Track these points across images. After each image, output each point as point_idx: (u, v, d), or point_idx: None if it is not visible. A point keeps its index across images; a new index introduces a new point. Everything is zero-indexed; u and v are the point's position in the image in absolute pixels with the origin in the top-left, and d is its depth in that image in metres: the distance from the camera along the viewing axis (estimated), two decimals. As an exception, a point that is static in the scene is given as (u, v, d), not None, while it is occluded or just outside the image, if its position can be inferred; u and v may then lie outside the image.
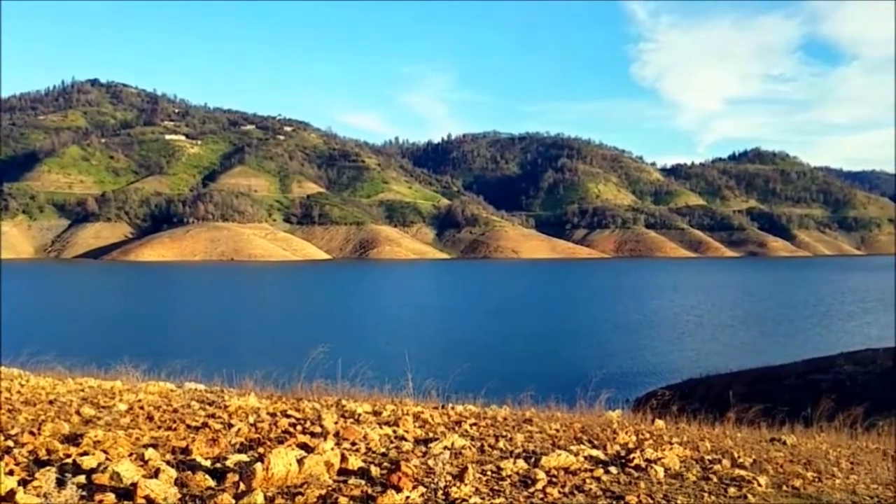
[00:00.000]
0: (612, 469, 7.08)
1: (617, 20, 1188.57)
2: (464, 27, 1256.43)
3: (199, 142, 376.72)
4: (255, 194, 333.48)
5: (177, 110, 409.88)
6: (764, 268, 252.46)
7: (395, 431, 8.68)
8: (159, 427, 8.21)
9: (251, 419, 9.06)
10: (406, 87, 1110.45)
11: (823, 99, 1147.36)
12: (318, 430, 8.45)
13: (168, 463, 5.92)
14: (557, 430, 10.05)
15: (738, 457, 8.60)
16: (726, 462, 7.99)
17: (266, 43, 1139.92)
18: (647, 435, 10.28)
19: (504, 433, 9.35)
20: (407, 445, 7.83)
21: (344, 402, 11.34)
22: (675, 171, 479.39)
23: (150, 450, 6.43)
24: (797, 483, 7.31)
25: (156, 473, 5.50)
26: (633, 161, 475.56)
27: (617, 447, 8.46)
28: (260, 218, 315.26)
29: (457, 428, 9.53)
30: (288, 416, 9.46)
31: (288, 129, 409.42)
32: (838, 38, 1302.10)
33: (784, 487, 7.09)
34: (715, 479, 7.04)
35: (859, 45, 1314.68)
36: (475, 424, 10.01)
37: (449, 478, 6.14)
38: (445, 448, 7.55)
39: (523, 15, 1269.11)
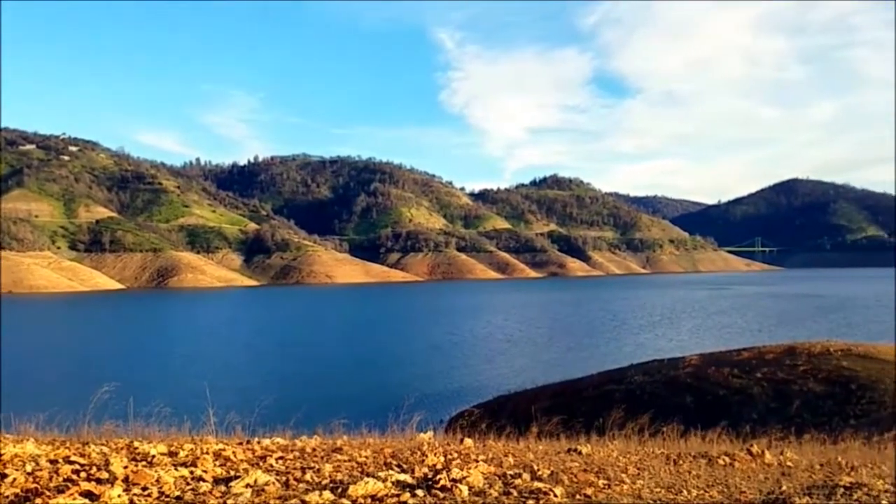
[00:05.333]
0: (419, 492, 7.09)
1: (426, 48, 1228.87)
2: (270, 48, 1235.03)
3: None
4: (37, 220, 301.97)
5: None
6: (564, 287, 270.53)
7: (192, 472, 8.11)
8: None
9: (29, 467, 8.08)
10: (206, 107, 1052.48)
11: (613, 129, 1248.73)
12: (105, 476, 7.70)
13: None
14: (367, 458, 9.94)
15: (538, 469, 8.99)
16: (526, 476, 8.32)
17: (46, 53, 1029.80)
18: (456, 455, 10.47)
19: (312, 464, 9.08)
20: (205, 486, 7.34)
21: (136, 443, 10.45)
22: (483, 196, 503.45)
23: None
24: (589, 491, 7.76)
25: None
26: (443, 186, 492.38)
27: (425, 469, 8.51)
28: (42, 245, 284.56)
29: (261, 463, 9.12)
30: (71, 463, 8.54)
31: (73, 148, 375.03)
32: (625, 73, 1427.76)
33: (578, 496, 7.49)
34: (515, 493, 7.28)
35: (643, 80, 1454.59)
36: (282, 458, 9.64)
37: (249, 518, 5.83)
38: (247, 486, 7.17)
39: (332, 38, 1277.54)
